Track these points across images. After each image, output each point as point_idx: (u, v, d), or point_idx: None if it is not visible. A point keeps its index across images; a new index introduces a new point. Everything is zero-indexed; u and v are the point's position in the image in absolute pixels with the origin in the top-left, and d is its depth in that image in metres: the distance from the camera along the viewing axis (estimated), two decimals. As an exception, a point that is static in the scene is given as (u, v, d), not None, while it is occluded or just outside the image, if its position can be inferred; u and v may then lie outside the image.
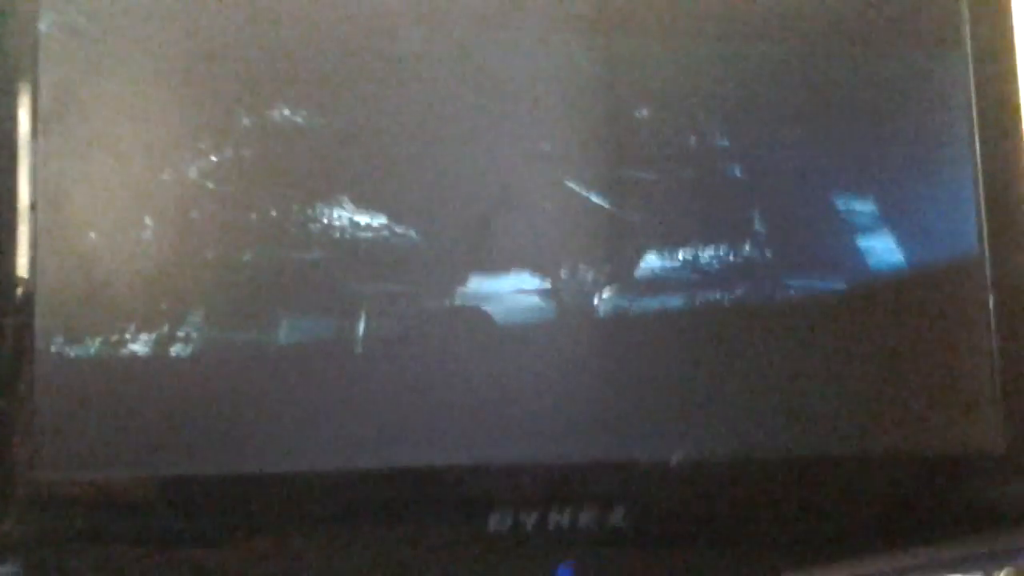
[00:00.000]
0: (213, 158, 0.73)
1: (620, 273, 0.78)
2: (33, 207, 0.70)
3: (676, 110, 0.80)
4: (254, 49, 0.75)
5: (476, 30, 0.78)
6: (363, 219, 0.74)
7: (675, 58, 0.80)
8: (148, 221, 0.72)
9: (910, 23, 0.84)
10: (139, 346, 0.71)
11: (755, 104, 0.81)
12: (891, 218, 0.81)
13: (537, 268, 0.77)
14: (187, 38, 0.74)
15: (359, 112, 0.76)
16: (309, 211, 0.74)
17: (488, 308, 0.75)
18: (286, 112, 0.74)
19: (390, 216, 0.75)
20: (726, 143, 0.80)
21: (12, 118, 0.71)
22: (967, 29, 0.84)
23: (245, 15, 0.75)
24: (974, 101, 0.84)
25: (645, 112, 0.79)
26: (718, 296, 0.79)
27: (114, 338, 0.71)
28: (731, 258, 0.79)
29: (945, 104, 0.84)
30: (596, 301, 0.77)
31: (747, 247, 0.79)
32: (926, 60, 0.84)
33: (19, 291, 0.70)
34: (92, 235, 0.71)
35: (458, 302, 0.75)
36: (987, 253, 0.82)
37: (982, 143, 0.83)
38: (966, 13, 0.84)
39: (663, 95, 0.80)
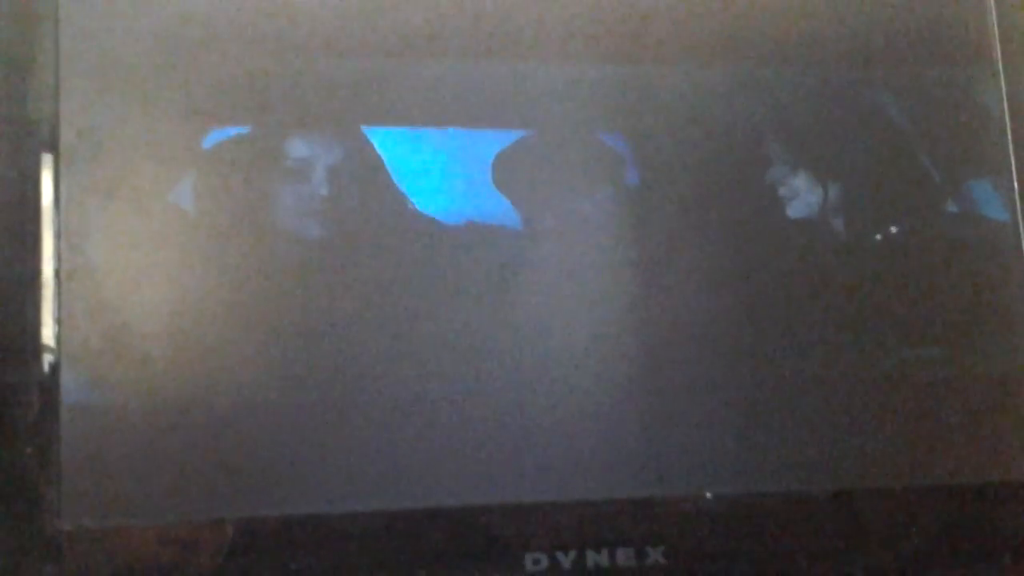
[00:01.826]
0: (236, 208, 0.73)
1: (651, 309, 0.77)
2: (57, 274, 0.71)
3: (721, 144, 0.80)
4: (282, 87, 0.75)
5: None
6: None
7: (714, 83, 0.80)
8: (170, 275, 0.73)
9: (939, 42, 0.84)
10: (162, 397, 0.71)
11: (785, 128, 0.81)
12: (926, 245, 0.81)
13: (567, 305, 0.76)
14: (209, 84, 0.74)
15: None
16: (334, 253, 0.74)
17: (519, 346, 0.75)
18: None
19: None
20: (763, 172, 0.80)
21: (35, 182, 0.71)
22: (997, 45, 0.83)
23: (272, 53, 0.75)
24: (1008, 118, 0.83)
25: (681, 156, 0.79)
26: (752, 331, 0.78)
27: (138, 390, 0.71)
28: (765, 294, 0.78)
29: (978, 121, 0.83)
30: (629, 337, 0.76)
31: (782, 282, 0.79)
32: (957, 78, 0.83)
33: (45, 345, 0.70)
34: (115, 290, 0.72)
35: (488, 340, 0.74)
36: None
37: (1017, 160, 0.82)
38: (995, 29, 0.84)
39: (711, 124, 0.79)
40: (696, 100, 0.81)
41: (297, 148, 0.76)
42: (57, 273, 0.70)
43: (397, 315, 0.74)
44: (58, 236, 0.71)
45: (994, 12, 0.84)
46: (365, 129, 0.77)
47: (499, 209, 0.78)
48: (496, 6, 0.79)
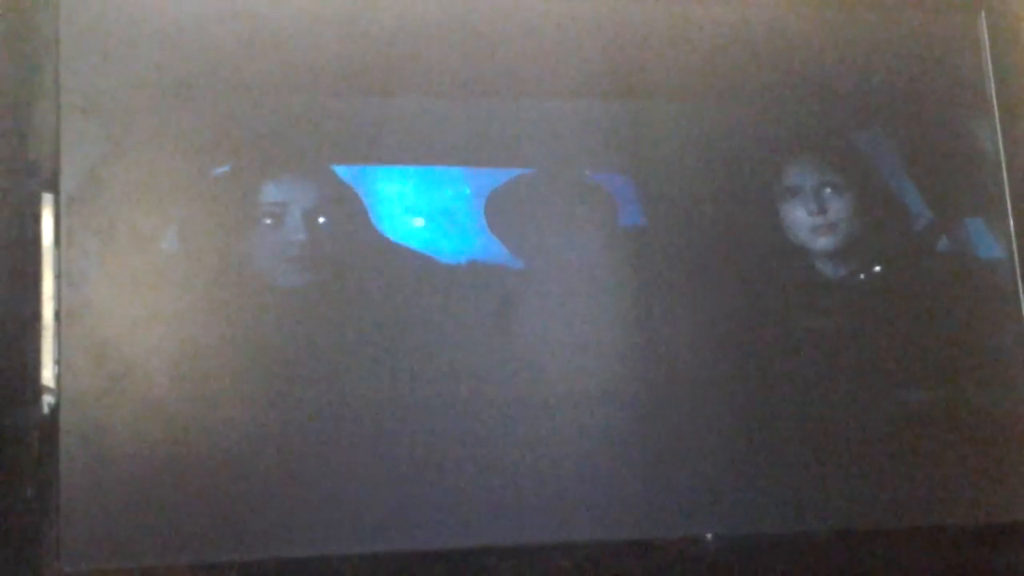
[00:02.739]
0: (236, 250, 0.73)
1: (651, 349, 0.77)
2: (57, 315, 0.71)
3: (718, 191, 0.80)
4: (281, 128, 0.75)
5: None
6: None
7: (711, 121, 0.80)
8: (169, 316, 0.72)
9: (936, 84, 0.84)
10: (161, 439, 0.71)
11: (783, 167, 0.82)
12: (924, 284, 0.81)
13: (565, 346, 0.76)
14: (210, 127, 0.75)
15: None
16: (331, 294, 0.74)
17: (517, 388, 0.74)
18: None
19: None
20: (760, 211, 0.81)
21: (35, 223, 0.71)
22: (992, 86, 0.84)
23: (272, 95, 0.76)
24: (1003, 157, 0.83)
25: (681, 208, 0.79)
26: (752, 371, 0.78)
27: (136, 432, 0.71)
28: (763, 334, 0.78)
29: (975, 161, 0.83)
30: (628, 378, 0.76)
31: (781, 323, 0.79)
32: (954, 119, 0.84)
33: (44, 386, 0.70)
34: (114, 331, 0.71)
35: (485, 382, 0.74)
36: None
37: (1013, 198, 0.82)
38: (990, 71, 0.84)
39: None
40: (692, 137, 0.81)
41: (295, 189, 0.76)
42: (57, 314, 0.70)
43: (394, 357, 0.74)
44: (58, 276, 0.70)
45: (988, 55, 0.84)
46: (358, 168, 0.77)
47: (494, 249, 0.78)
48: (487, 45, 0.79)
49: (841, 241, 0.82)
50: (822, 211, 0.81)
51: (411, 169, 0.78)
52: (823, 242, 0.81)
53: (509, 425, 0.75)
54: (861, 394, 0.79)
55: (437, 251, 0.77)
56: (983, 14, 0.84)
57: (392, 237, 0.77)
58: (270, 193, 0.75)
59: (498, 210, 0.78)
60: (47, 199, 0.71)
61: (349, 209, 0.77)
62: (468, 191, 0.78)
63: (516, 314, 0.76)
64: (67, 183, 0.71)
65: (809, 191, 0.82)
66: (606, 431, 0.76)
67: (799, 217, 0.81)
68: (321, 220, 0.76)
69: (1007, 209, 0.82)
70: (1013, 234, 0.82)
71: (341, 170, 0.77)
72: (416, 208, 0.78)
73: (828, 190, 0.82)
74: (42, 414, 0.69)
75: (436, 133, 0.78)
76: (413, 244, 0.77)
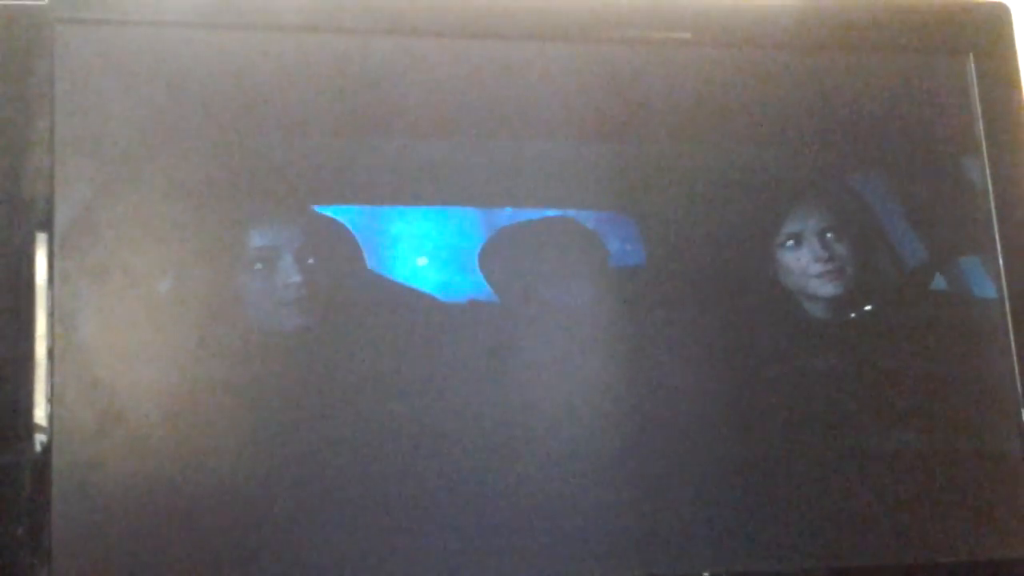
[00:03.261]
0: (228, 289, 0.73)
1: (645, 389, 0.77)
2: (50, 353, 0.71)
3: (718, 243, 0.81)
4: (275, 168, 0.76)
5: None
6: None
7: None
8: (162, 355, 0.72)
9: (927, 126, 0.85)
10: (154, 478, 0.71)
11: (777, 209, 0.83)
12: (916, 323, 0.81)
13: (559, 386, 0.76)
14: (202, 167, 0.75)
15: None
16: (326, 333, 0.74)
17: (511, 429, 0.75)
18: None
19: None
20: (751, 252, 0.82)
21: (29, 262, 0.71)
22: (981, 127, 0.84)
23: (266, 135, 0.76)
24: (992, 197, 0.83)
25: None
26: (745, 410, 0.78)
27: (129, 470, 0.71)
28: (757, 373, 0.79)
29: (965, 201, 0.84)
30: (623, 417, 0.76)
31: (774, 362, 0.79)
32: (944, 161, 0.85)
33: (37, 425, 0.70)
34: (107, 370, 0.71)
35: (479, 422, 0.74)
36: (1017, 370, 0.81)
37: (1002, 238, 0.83)
38: (979, 112, 0.85)
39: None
40: (688, 180, 0.81)
41: (289, 231, 0.76)
42: (50, 352, 0.70)
43: (388, 397, 0.74)
44: (51, 315, 0.70)
45: (977, 96, 0.85)
46: (353, 208, 0.78)
47: (484, 288, 0.79)
48: (481, 89, 0.80)
49: (844, 285, 0.82)
50: (826, 257, 0.82)
51: (405, 209, 0.79)
52: (827, 287, 0.81)
53: (501, 466, 0.74)
54: (855, 433, 0.79)
55: (438, 289, 0.77)
56: (971, 56, 0.85)
57: (388, 276, 0.77)
58: (264, 235, 0.76)
59: (491, 255, 0.79)
60: (40, 238, 0.71)
61: (344, 249, 0.77)
62: (465, 231, 0.79)
63: (512, 353, 0.76)
64: (60, 223, 0.72)
65: (810, 236, 0.82)
66: (600, 470, 0.76)
67: (801, 262, 0.82)
68: (314, 261, 0.76)
69: (996, 249, 0.82)
70: (1003, 273, 0.82)
71: (334, 210, 0.77)
72: (411, 247, 0.78)
73: (829, 235, 0.82)
74: (34, 453, 0.69)
75: (430, 174, 0.79)
76: (411, 283, 0.77)
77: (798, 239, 0.82)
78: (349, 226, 0.77)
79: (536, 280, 0.79)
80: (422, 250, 0.78)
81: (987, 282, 0.82)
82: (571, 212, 0.80)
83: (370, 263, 0.77)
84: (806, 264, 0.82)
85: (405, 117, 0.78)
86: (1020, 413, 0.80)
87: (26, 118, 0.72)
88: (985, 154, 0.84)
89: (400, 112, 0.78)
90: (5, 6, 0.73)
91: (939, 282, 0.84)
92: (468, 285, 0.78)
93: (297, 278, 0.76)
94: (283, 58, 0.77)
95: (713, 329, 0.79)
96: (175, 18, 0.76)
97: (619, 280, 0.80)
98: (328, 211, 0.77)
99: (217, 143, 0.75)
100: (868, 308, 0.82)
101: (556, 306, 0.79)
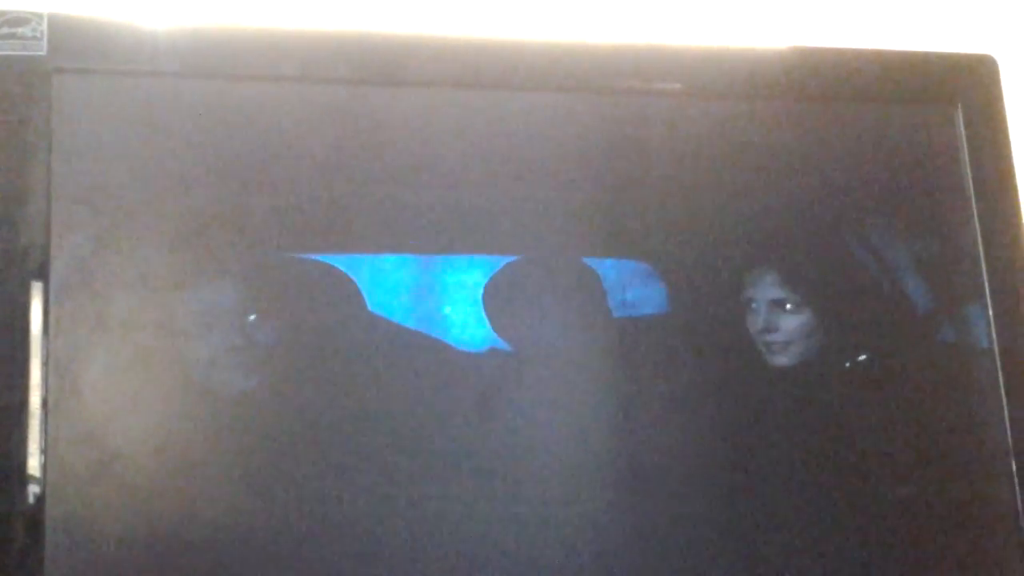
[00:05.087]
0: (225, 339, 0.73)
1: (641, 444, 0.77)
2: (44, 403, 0.71)
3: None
4: (265, 217, 0.75)
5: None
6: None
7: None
8: (156, 406, 0.72)
9: (917, 182, 0.86)
10: (146, 530, 0.70)
11: (774, 264, 0.83)
12: (907, 376, 0.82)
13: (556, 439, 0.76)
14: (199, 217, 0.75)
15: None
16: (323, 386, 0.74)
17: (504, 485, 0.75)
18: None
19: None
20: (749, 304, 0.82)
21: (24, 311, 0.71)
22: (969, 178, 0.85)
23: (257, 184, 0.76)
24: (981, 248, 0.84)
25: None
26: (739, 464, 0.78)
27: (122, 522, 0.70)
28: (751, 428, 0.79)
29: (954, 252, 0.84)
30: (618, 476, 0.76)
31: (768, 417, 0.79)
32: (933, 214, 0.85)
33: (30, 475, 0.70)
34: (101, 421, 0.71)
35: (471, 474, 0.74)
36: (1008, 423, 0.81)
37: (991, 287, 0.83)
38: (968, 165, 0.85)
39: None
40: (672, 230, 0.82)
41: (289, 279, 0.76)
42: (44, 402, 0.70)
43: (385, 447, 0.74)
44: (46, 365, 0.70)
45: (966, 147, 0.85)
46: (354, 256, 0.78)
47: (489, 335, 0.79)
48: (466, 137, 0.80)
49: (792, 359, 0.81)
50: (771, 329, 0.81)
51: (408, 257, 0.79)
52: (774, 358, 0.81)
53: (495, 521, 0.74)
54: (848, 486, 0.79)
55: (453, 338, 0.77)
56: (959, 107, 0.86)
57: (389, 319, 0.77)
58: (262, 283, 0.76)
59: (494, 298, 0.79)
60: (36, 287, 0.71)
61: (344, 298, 0.77)
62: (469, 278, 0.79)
63: (510, 403, 0.76)
64: (57, 272, 0.72)
65: (761, 304, 0.82)
66: (593, 525, 0.76)
67: (755, 327, 0.81)
68: (310, 311, 0.76)
69: (986, 298, 0.83)
70: (993, 322, 0.82)
71: (334, 259, 0.78)
72: (426, 295, 0.78)
73: (788, 306, 0.81)
74: (27, 503, 0.69)
75: (434, 221, 0.79)
76: (420, 328, 0.77)
77: (751, 304, 0.82)
78: (351, 275, 0.77)
79: (541, 318, 0.79)
80: (441, 298, 0.78)
81: (977, 331, 0.82)
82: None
83: (373, 311, 0.77)
84: (756, 331, 0.82)
85: (403, 167, 0.79)
86: (1010, 463, 0.80)
87: (23, 167, 0.72)
88: (974, 203, 0.85)
89: (399, 161, 0.79)
90: (4, 56, 0.73)
91: (930, 332, 0.84)
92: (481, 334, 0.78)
93: (292, 326, 0.76)
94: (279, 108, 0.78)
95: (706, 376, 0.79)
96: (172, 68, 0.76)
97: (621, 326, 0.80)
98: (333, 259, 0.77)
99: (214, 193, 0.76)
100: (861, 358, 0.82)
101: (554, 351, 0.79)
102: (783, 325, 0.81)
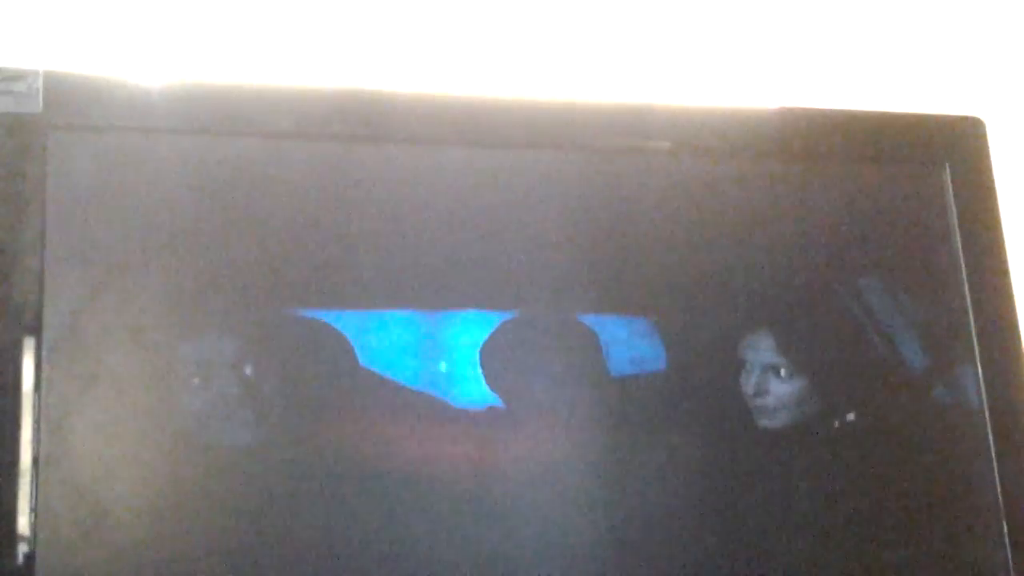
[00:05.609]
0: (216, 395, 0.73)
1: (634, 508, 0.77)
2: (36, 460, 0.70)
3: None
4: (258, 273, 0.76)
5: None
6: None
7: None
8: (149, 464, 0.72)
9: (903, 238, 0.86)
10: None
11: (767, 326, 0.83)
12: (897, 438, 0.82)
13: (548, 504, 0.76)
14: (189, 276, 0.75)
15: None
16: (315, 443, 0.74)
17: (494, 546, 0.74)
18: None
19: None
20: (741, 366, 0.82)
21: (16, 367, 0.71)
22: (959, 243, 0.86)
23: (250, 240, 0.76)
24: (971, 315, 0.84)
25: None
26: (731, 528, 0.78)
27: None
28: (743, 492, 0.79)
29: (942, 310, 0.85)
30: (611, 538, 0.76)
31: (760, 482, 0.79)
32: (920, 270, 0.86)
33: (20, 535, 0.69)
34: (93, 479, 0.71)
35: (462, 540, 0.74)
36: (999, 485, 0.81)
37: (981, 348, 0.83)
38: (956, 223, 0.86)
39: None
40: (662, 288, 0.82)
41: (281, 336, 0.76)
42: (35, 460, 0.69)
43: (376, 507, 0.74)
44: (37, 422, 0.70)
45: (954, 205, 0.86)
46: (348, 312, 0.78)
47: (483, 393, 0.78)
48: (458, 194, 0.81)
49: (783, 422, 0.81)
50: (760, 393, 0.81)
51: (403, 313, 0.79)
52: (763, 420, 0.81)
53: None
54: (841, 549, 0.79)
55: (449, 395, 0.77)
56: (947, 167, 0.87)
57: (385, 376, 0.77)
58: (253, 339, 0.76)
59: (491, 358, 0.79)
60: (29, 343, 0.71)
61: (335, 354, 0.77)
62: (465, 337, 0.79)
63: (504, 462, 0.76)
64: (49, 328, 0.71)
65: (754, 368, 0.82)
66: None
67: (746, 389, 0.82)
68: (300, 367, 0.76)
69: (976, 358, 0.83)
70: (982, 382, 0.83)
71: (326, 314, 0.78)
72: (419, 351, 0.78)
73: (783, 371, 0.82)
74: (16, 563, 0.68)
75: (429, 277, 0.79)
76: (416, 386, 0.77)
77: (744, 366, 0.82)
78: (344, 331, 0.77)
79: (535, 375, 0.79)
80: (435, 355, 0.78)
81: (968, 391, 0.83)
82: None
83: (365, 367, 0.77)
84: (748, 392, 0.82)
85: (397, 223, 0.79)
86: (1002, 525, 0.80)
87: (18, 222, 0.72)
88: (962, 262, 0.85)
89: (393, 218, 0.79)
90: (0, 113, 0.73)
91: (920, 392, 0.84)
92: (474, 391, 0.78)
93: (284, 384, 0.75)
94: (272, 164, 0.78)
95: (698, 439, 0.79)
96: (166, 125, 0.76)
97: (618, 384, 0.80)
98: (323, 315, 0.77)
99: (208, 249, 0.76)
100: (851, 419, 0.82)
101: (549, 409, 0.78)
102: (774, 390, 0.81)
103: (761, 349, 0.82)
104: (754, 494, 0.79)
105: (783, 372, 0.81)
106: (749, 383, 0.81)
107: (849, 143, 0.86)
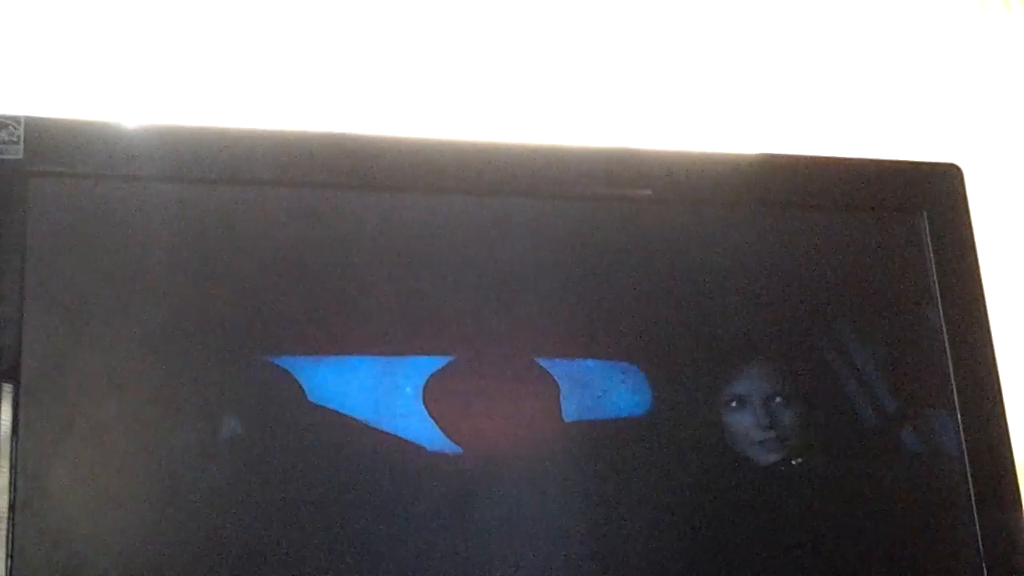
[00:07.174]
0: (197, 447, 0.73)
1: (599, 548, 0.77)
2: (12, 506, 0.70)
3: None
4: (236, 320, 0.75)
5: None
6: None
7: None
8: (126, 510, 0.71)
9: (882, 285, 0.87)
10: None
11: (741, 365, 0.83)
12: (877, 484, 0.82)
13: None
14: (171, 322, 0.75)
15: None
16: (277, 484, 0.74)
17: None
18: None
19: None
20: (712, 406, 0.82)
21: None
22: (936, 283, 0.86)
23: (230, 287, 0.76)
24: (949, 355, 0.85)
25: None
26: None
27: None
28: (715, 531, 0.79)
29: (921, 358, 0.85)
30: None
31: (730, 522, 0.79)
32: (900, 319, 0.86)
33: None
34: (69, 524, 0.70)
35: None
36: (979, 532, 0.81)
37: (960, 395, 0.84)
38: (934, 270, 0.86)
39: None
40: (644, 333, 0.82)
41: (257, 381, 0.76)
42: (12, 505, 0.69)
43: (354, 550, 0.74)
44: (14, 468, 0.70)
45: (931, 252, 0.87)
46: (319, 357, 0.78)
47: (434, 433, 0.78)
48: (438, 242, 0.81)
49: (785, 455, 0.82)
50: (768, 424, 0.82)
51: (369, 359, 0.79)
52: (766, 456, 0.82)
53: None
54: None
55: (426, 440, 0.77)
56: (925, 215, 0.87)
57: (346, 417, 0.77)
58: (235, 385, 0.75)
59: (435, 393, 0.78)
60: (6, 389, 0.71)
61: (292, 400, 0.76)
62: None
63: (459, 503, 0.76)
64: (27, 374, 0.71)
65: (755, 401, 0.82)
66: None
67: (744, 426, 0.82)
68: (259, 412, 0.76)
69: (955, 403, 0.83)
70: (961, 428, 0.83)
71: (285, 360, 0.78)
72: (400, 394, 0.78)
73: (778, 400, 0.82)
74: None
75: (399, 323, 0.79)
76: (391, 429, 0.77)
77: (742, 401, 0.82)
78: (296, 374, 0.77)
79: (488, 418, 0.79)
80: (398, 398, 0.78)
81: (947, 439, 0.83)
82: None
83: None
84: (748, 429, 0.82)
85: (373, 269, 0.79)
86: (982, 572, 0.80)
87: (-5, 267, 0.72)
88: (941, 310, 0.85)
89: (368, 264, 0.79)
90: (-19, 160, 0.74)
91: (901, 437, 0.84)
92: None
93: (266, 429, 0.75)
94: (251, 211, 0.78)
95: (668, 481, 0.79)
96: (147, 172, 0.77)
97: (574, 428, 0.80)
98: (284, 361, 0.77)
99: (186, 296, 0.76)
100: (834, 468, 0.82)
101: (505, 452, 0.78)
102: (780, 420, 0.82)
103: (759, 383, 0.82)
104: (733, 540, 0.79)
105: (780, 400, 0.82)
106: (752, 418, 0.81)
107: (827, 190, 0.87)
